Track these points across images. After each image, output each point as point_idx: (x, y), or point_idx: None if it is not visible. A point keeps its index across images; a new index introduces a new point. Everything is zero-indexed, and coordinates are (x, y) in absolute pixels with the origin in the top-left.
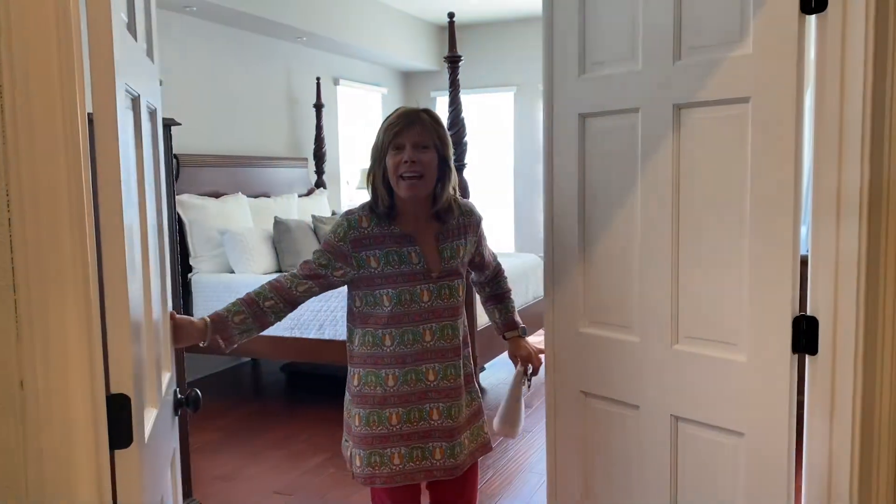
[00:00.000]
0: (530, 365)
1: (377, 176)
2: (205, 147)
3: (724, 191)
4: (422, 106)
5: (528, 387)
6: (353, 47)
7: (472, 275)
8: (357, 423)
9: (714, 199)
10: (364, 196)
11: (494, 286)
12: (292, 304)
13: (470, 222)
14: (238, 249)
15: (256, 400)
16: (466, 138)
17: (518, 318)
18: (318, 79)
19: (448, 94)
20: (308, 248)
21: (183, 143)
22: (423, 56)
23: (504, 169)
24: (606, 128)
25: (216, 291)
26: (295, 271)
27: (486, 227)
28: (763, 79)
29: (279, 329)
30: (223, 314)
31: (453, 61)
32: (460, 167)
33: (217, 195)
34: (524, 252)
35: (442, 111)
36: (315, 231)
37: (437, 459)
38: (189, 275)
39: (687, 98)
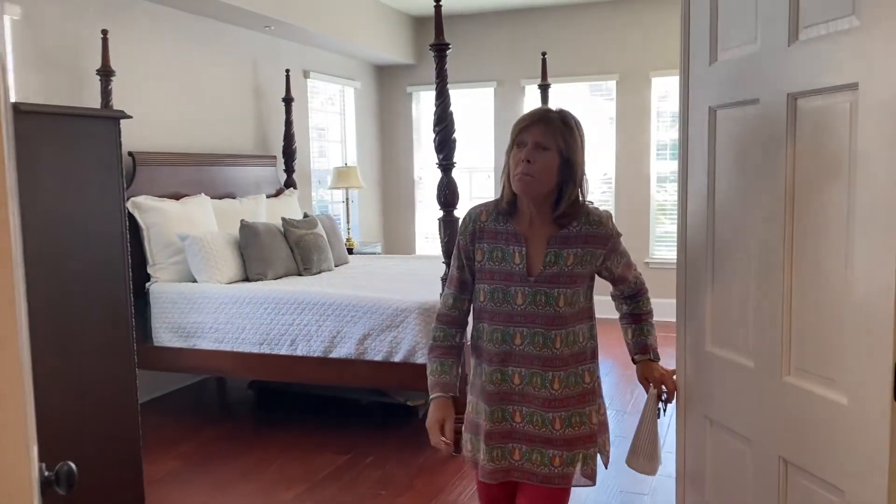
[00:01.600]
0: (664, 388)
1: (505, 172)
2: (164, 144)
3: (834, 203)
4: (558, 108)
5: (663, 412)
6: (324, 38)
7: (611, 289)
8: (469, 408)
9: (826, 209)
10: (338, 196)
11: (632, 305)
12: (466, 322)
13: (596, 233)
14: (200, 256)
15: (222, 421)
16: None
17: (654, 343)
18: (287, 71)
19: (434, 87)
20: (278, 254)
21: (139, 139)
22: (399, 49)
23: (483, 169)
24: (732, 122)
25: (176, 303)
26: (445, 290)
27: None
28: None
29: (246, 344)
30: (446, 380)
31: (440, 50)
32: (448, 167)
33: (178, 196)
34: None
35: (420, 108)
36: (285, 235)
37: (516, 460)
38: (147, 284)
39: (802, 86)
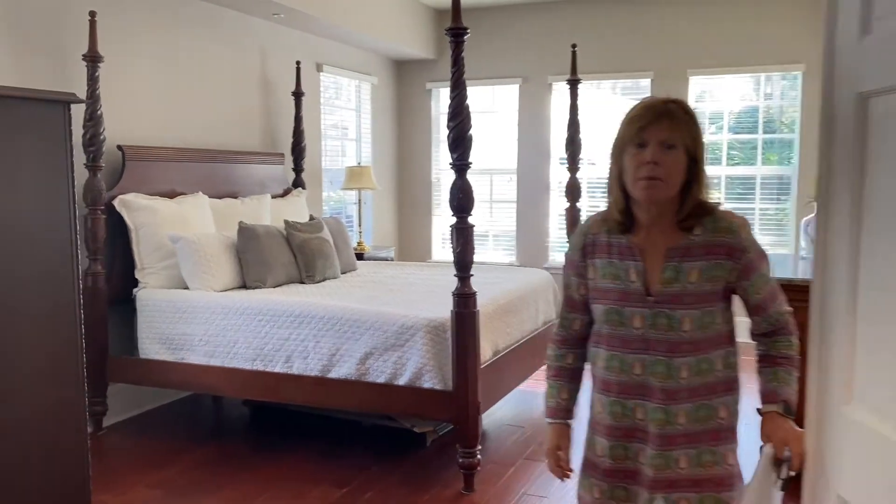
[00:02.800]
0: (786, 451)
1: (613, 176)
2: (159, 138)
3: None
4: (671, 97)
5: (781, 482)
6: (338, 29)
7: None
8: (584, 445)
9: None
10: (351, 197)
11: (768, 344)
12: (582, 344)
13: (724, 242)
14: (193, 260)
15: (212, 442)
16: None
17: (788, 394)
18: (297, 63)
19: (449, 82)
20: (279, 259)
21: (130, 132)
22: (419, 42)
23: (506, 170)
24: (891, 113)
25: (164, 312)
26: (560, 309)
27: (485, 236)
28: None
29: (239, 359)
30: (557, 403)
31: (457, 35)
32: (462, 167)
33: (172, 195)
34: (526, 266)
35: (439, 105)
36: (288, 239)
37: None
38: (134, 290)
39: None
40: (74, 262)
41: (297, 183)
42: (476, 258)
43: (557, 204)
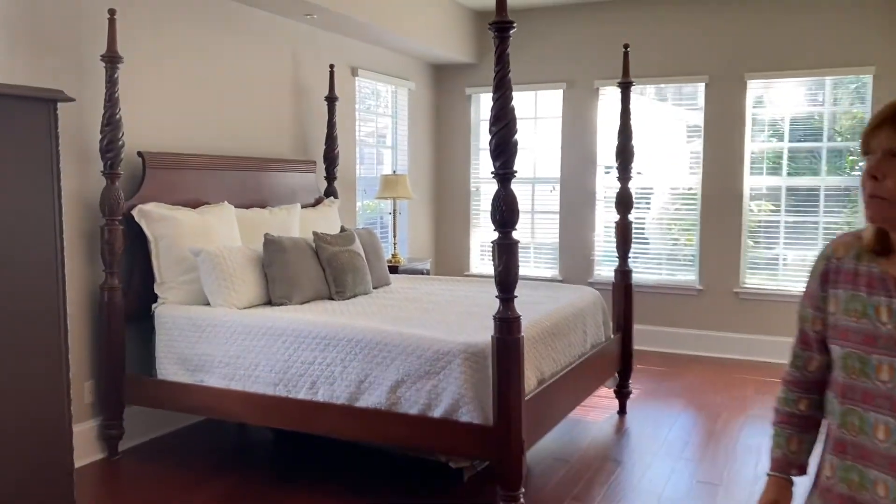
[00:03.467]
0: None
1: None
2: (182, 145)
3: None
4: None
5: None
6: (374, 31)
7: None
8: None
9: None
10: (385, 208)
11: None
12: (819, 389)
13: None
14: (215, 275)
15: (232, 471)
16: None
17: None
18: (331, 66)
19: (492, 84)
20: (307, 274)
21: (151, 138)
22: (459, 46)
23: (548, 179)
24: None
25: (183, 330)
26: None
27: (525, 248)
28: None
29: (259, 383)
30: (781, 455)
31: (502, 29)
32: (506, 176)
33: (196, 205)
34: (569, 281)
35: (479, 110)
36: (317, 252)
37: None
38: (153, 306)
39: None
40: (58, 270)
41: (330, 192)
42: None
43: (604, 215)
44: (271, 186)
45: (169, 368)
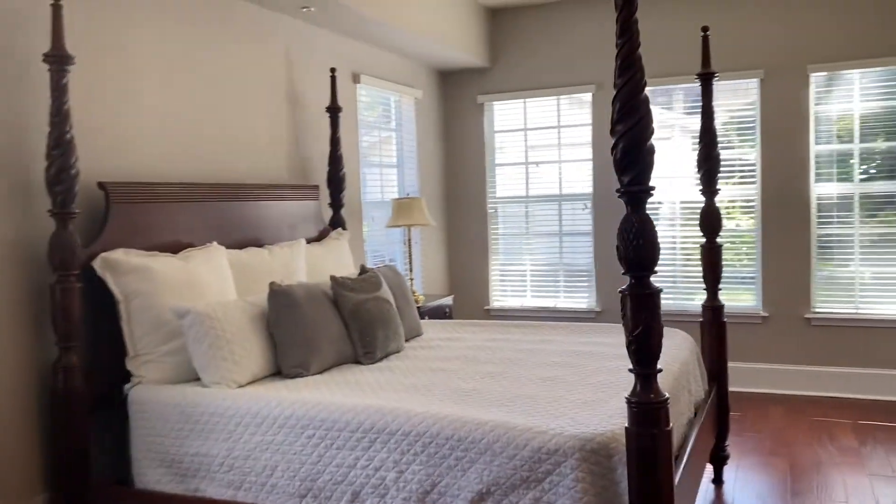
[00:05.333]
0: None
1: None
2: (156, 171)
3: None
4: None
5: None
6: (377, 29)
7: None
8: None
9: None
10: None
11: None
12: None
13: None
14: (207, 342)
15: None
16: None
17: None
18: (332, 71)
19: (510, 95)
20: (326, 333)
21: (115, 164)
22: (470, 46)
23: (578, 195)
24: None
25: (168, 420)
26: None
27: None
28: None
29: (279, 494)
30: None
31: None
32: (640, 196)
33: (177, 248)
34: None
35: (492, 120)
36: (336, 303)
37: None
38: (126, 388)
39: None
40: None
41: (336, 222)
42: (543, 303)
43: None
44: (268, 219)
45: (151, 473)
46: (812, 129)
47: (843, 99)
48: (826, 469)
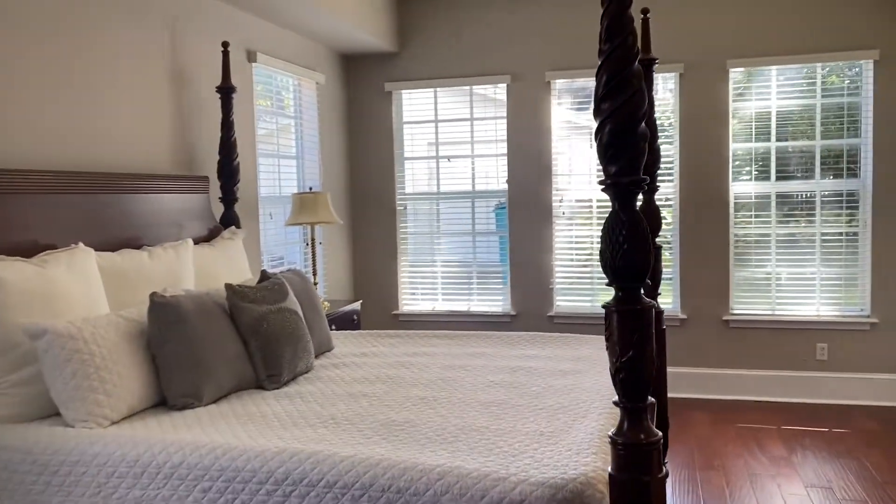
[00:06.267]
0: None
1: None
2: (8, 156)
3: None
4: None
5: None
6: (278, 0)
7: None
8: None
9: None
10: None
11: None
12: None
13: None
14: (70, 368)
15: None
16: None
17: None
18: (224, 45)
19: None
20: (222, 353)
21: None
22: (376, 28)
23: (491, 192)
24: None
25: (18, 470)
26: None
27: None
28: None
29: None
30: None
31: None
32: (631, 189)
33: (32, 251)
34: (527, 318)
35: (400, 109)
36: (232, 316)
37: None
38: None
39: None
40: None
41: (229, 220)
42: (455, 307)
43: (565, 232)
44: (147, 215)
45: None
46: (731, 125)
47: (762, 96)
48: (762, 482)
